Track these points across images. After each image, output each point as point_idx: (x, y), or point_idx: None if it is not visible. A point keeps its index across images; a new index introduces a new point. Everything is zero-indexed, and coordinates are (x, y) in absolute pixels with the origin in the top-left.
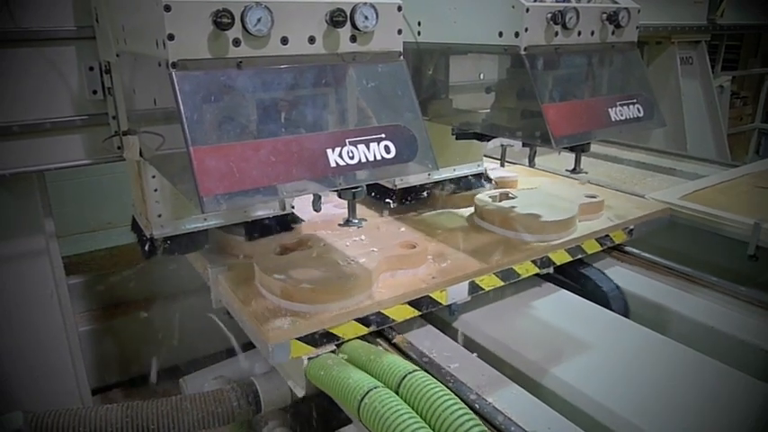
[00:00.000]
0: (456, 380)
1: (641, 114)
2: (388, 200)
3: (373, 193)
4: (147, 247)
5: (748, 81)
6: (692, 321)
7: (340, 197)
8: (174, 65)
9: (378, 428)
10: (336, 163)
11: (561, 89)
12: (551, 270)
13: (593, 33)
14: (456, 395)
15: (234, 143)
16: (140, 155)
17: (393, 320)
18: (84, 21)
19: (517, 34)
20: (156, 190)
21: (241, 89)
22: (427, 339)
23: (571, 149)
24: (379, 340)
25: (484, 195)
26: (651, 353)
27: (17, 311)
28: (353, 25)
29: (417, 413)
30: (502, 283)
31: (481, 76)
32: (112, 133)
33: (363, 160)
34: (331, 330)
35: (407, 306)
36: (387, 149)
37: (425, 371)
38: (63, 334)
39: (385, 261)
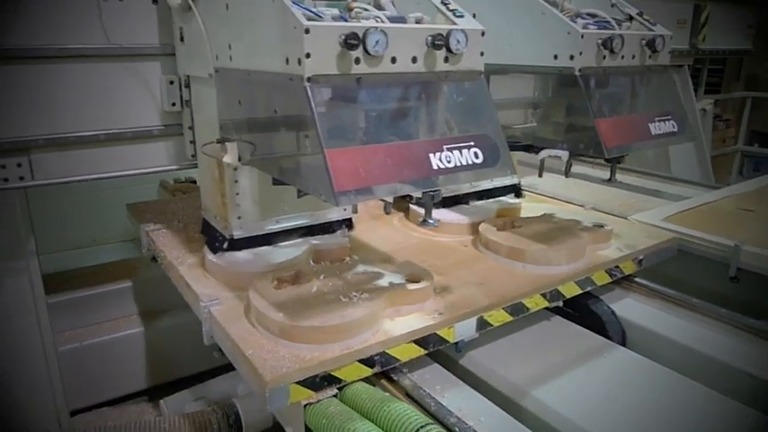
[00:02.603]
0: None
1: (675, 129)
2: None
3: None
4: (224, 246)
5: (731, 104)
6: (676, 344)
7: (419, 200)
8: (308, 79)
9: None
10: (437, 166)
11: (609, 106)
12: (561, 303)
13: (633, 57)
14: None
15: (357, 147)
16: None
17: (398, 360)
18: (166, 39)
19: (572, 57)
20: (237, 194)
21: (360, 101)
22: (436, 381)
23: (607, 160)
24: (383, 381)
25: (488, 224)
26: (672, 395)
27: None
28: (447, 48)
29: None
30: (511, 318)
31: (535, 94)
32: (188, 142)
33: (458, 164)
34: (333, 373)
35: (413, 345)
36: (476, 155)
37: (438, 421)
38: (41, 353)
39: (389, 296)
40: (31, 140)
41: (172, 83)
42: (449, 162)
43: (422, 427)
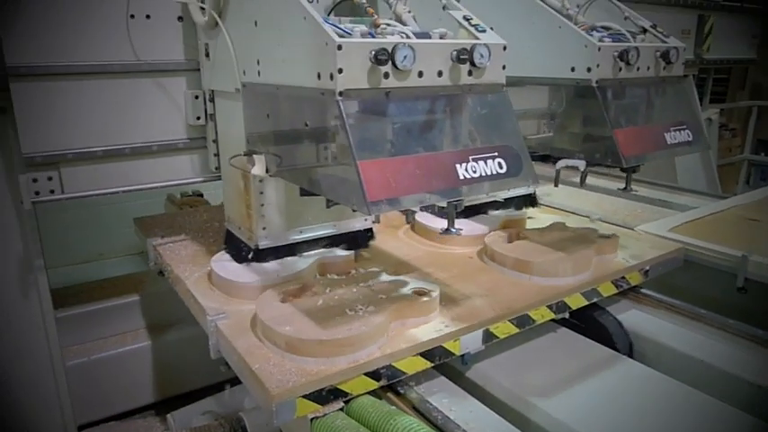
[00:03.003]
0: None
1: (690, 139)
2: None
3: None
4: (249, 256)
5: (737, 113)
6: (683, 355)
7: (442, 209)
8: (341, 94)
9: None
10: (464, 176)
11: (625, 116)
12: (567, 315)
13: (648, 68)
14: None
15: (387, 158)
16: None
17: (404, 373)
18: (191, 55)
19: (589, 69)
20: (262, 205)
21: (389, 114)
22: (443, 395)
23: (623, 170)
24: (389, 395)
25: (494, 236)
26: (680, 406)
27: (2, 345)
28: (471, 62)
29: None
30: (517, 330)
31: (552, 105)
32: (211, 155)
33: (483, 174)
34: (339, 387)
35: (420, 358)
36: (500, 165)
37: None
38: (49, 368)
39: (395, 309)
40: (60, 154)
41: (197, 97)
42: (474, 172)
43: None
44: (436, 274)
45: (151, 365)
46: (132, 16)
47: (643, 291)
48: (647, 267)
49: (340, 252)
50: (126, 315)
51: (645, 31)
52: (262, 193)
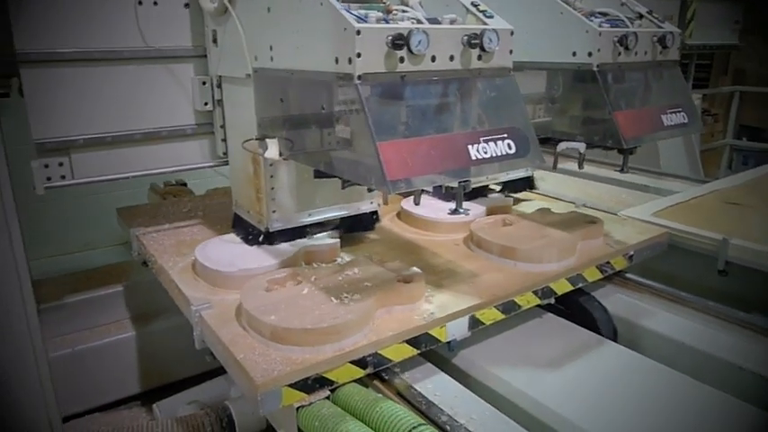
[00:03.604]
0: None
1: (686, 121)
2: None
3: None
4: (260, 239)
5: (719, 98)
6: (666, 338)
7: (450, 189)
8: (359, 77)
9: None
10: (475, 156)
11: (625, 99)
12: (553, 300)
13: (646, 53)
14: None
15: (403, 139)
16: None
17: (390, 361)
18: (198, 41)
19: (590, 54)
20: (272, 188)
21: (405, 97)
22: (428, 381)
23: (619, 151)
24: (375, 382)
25: (480, 222)
26: (663, 391)
27: None
28: (481, 46)
29: None
30: (503, 316)
31: (555, 89)
32: (219, 140)
33: (493, 155)
34: (325, 375)
35: (405, 345)
36: (509, 146)
37: (430, 420)
38: (32, 360)
39: (380, 297)
40: (71, 140)
41: (204, 83)
42: (485, 153)
43: (414, 428)
44: (423, 261)
45: (136, 356)
46: (140, 3)
47: (628, 275)
48: (632, 252)
49: (326, 240)
50: (110, 305)
51: (641, 16)
52: (272, 176)
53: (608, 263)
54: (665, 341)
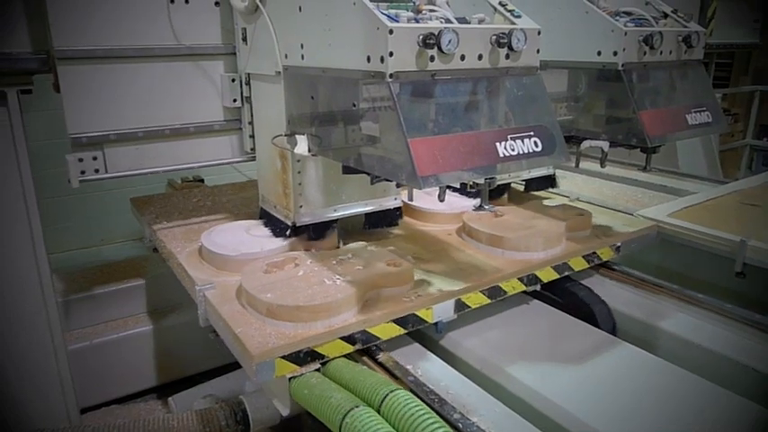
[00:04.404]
0: (440, 399)
1: (710, 120)
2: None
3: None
4: (287, 233)
5: (739, 98)
6: (679, 339)
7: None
8: (391, 75)
9: None
10: (503, 154)
11: (649, 98)
12: (538, 287)
13: (671, 52)
14: (439, 415)
15: (434, 136)
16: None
17: (378, 338)
18: (228, 39)
19: (615, 53)
20: (300, 184)
21: (435, 95)
22: (413, 358)
23: (643, 150)
24: (364, 358)
25: (472, 213)
26: (638, 371)
27: (4, 330)
28: (509, 46)
29: None
30: (488, 301)
31: (579, 88)
32: (247, 136)
33: (521, 152)
34: (316, 349)
35: (393, 324)
36: (536, 144)
37: (409, 390)
38: (51, 352)
39: (370, 279)
40: (104, 135)
41: (233, 80)
42: (513, 150)
43: (391, 391)
44: (416, 248)
45: (152, 350)
46: (172, 1)
47: (635, 273)
48: (619, 243)
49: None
50: (128, 299)
51: (666, 15)
52: (300, 172)
53: (594, 253)
54: (681, 343)
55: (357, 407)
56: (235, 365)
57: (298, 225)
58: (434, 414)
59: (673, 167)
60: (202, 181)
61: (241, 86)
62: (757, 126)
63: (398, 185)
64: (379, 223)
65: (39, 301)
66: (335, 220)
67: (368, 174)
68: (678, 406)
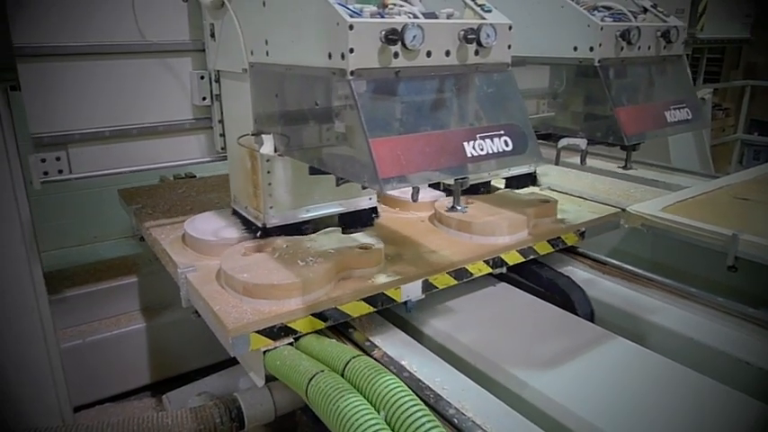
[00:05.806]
0: (400, 366)
1: (690, 117)
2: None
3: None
4: (258, 235)
5: (730, 93)
6: (670, 332)
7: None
8: (352, 73)
9: (323, 408)
10: (471, 154)
11: (627, 95)
12: (504, 270)
13: (649, 48)
14: (396, 376)
15: (397, 136)
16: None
17: (349, 316)
18: (196, 35)
19: (592, 49)
20: (269, 184)
21: (399, 93)
22: (384, 335)
23: (623, 148)
24: (336, 335)
25: (443, 201)
26: (607, 355)
27: None
28: (478, 41)
29: (361, 393)
30: (455, 282)
31: (555, 84)
32: (217, 135)
33: (490, 152)
34: (289, 324)
35: (363, 303)
36: (506, 143)
37: (377, 360)
38: (44, 350)
39: (342, 260)
40: (68, 135)
41: (202, 78)
42: (481, 150)
43: (353, 357)
44: (388, 234)
45: (146, 347)
46: None
47: (613, 262)
48: (583, 229)
49: None
50: (121, 297)
51: (645, 10)
52: (269, 172)
53: (559, 237)
54: (673, 336)
55: (322, 371)
56: (229, 362)
57: (268, 227)
58: (392, 375)
59: (665, 162)
60: (194, 177)
61: (210, 84)
62: (748, 120)
63: (363, 188)
64: (353, 224)
65: (31, 299)
66: (308, 222)
67: (334, 175)
68: (669, 398)
